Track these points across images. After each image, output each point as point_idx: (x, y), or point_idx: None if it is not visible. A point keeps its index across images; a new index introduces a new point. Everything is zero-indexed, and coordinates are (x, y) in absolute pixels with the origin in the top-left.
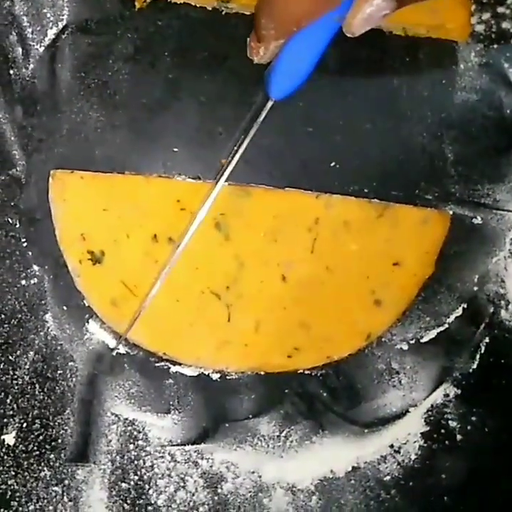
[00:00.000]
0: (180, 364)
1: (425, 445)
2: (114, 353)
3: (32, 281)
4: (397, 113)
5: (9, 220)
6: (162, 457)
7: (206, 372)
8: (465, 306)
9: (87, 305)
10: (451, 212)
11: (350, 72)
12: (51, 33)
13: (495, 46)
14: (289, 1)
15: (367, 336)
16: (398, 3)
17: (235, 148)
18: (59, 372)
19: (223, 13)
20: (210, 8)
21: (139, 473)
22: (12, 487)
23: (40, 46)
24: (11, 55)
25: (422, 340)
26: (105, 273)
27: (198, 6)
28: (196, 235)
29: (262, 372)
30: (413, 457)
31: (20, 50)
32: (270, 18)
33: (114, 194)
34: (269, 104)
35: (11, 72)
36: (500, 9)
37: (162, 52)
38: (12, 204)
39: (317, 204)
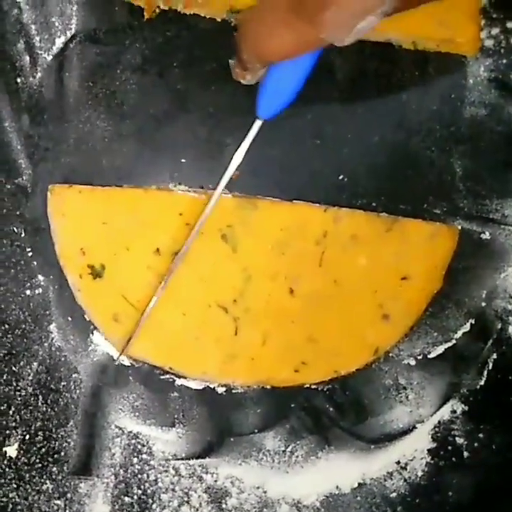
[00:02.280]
0: (185, 377)
1: (432, 462)
2: (118, 365)
3: (36, 292)
4: (406, 127)
5: (14, 229)
6: (166, 471)
7: (212, 386)
8: (473, 321)
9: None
10: (459, 227)
11: (359, 85)
12: (59, 42)
13: (504, 61)
14: (272, 43)
15: (375, 350)
16: (387, 15)
17: (228, 163)
18: (63, 383)
19: (232, 24)
20: (219, 20)
21: (142, 487)
22: (13, 500)
23: (48, 55)
24: (18, 64)
25: (430, 356)
26: (106, 287)
27: (207, 17)
28: (203, 247)
29: (268, 386)
30: (420, 474)
31: (27, 58)
32: (253, 54)
33: (113, 207)
34: (258, 123)
35: (19, 80)
36: (510, 24)
37: (170, 62)
38: (17, 213)
39: (325, 217)
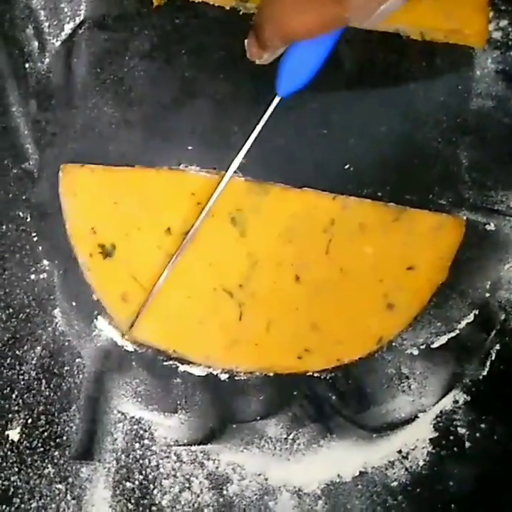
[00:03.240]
0: (188, 363)
1: (434, 451)
2: (121, 350)
3: (41, 276)
4: (413, 117)
5: (20, 213)
6: (168, 457)
7: (214, 372)
8: (476, 312)
9: (96, 300)
10: (464, 218)
11: (366, 75)
12: (68, 28)
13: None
14: (297, 21)
15: (378, 339)
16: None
17: (243, 143)
18: (66, 368)
19: (241, 12)
20: (228, 8)
21: (143, 472)
22: (15, 483)
23: (57, 41)
24: (26, 49)
25: (433, 346)
26: (116, 267)
27: (215, 5)
28: (212, 229)
29: (271, 374)
30: (421, 463)
31: (36, 43)
32: (275, 32)
33: (124, 187)
34: (276, 100)
35: (27, 65)
36: None
37: (179, 50)
38: (23, 198)
39: (334, 205)
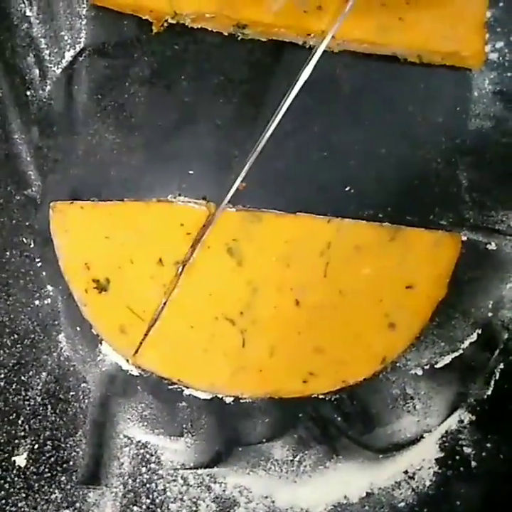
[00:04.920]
0: (193, 388)
1: (440, 471)
2: (126, 375)
3: (46, 302)
4: (412, 139)
5: (24, 240)
6: (174, 481)
7: (220, 396)
8: (479, 331)
9: (96, 334)
10: (465, 238)
11: (365, 98)
12: (68, 55)
13: (509, 74)
14: None
15: (382, 359)
16: None
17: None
18: (71, 393)
19: (239, 38)
20: (226, 34)
21: (151, 496)
22: (22, 509)
23: (58, 68)
24: (28, 77)
25: (437, 366)
26: (112, 300)
27: (214, 31)
28: (209, 261)
29: (276, 397)
30: (427, 483)
31: (37, 71)
32: None
33: (115, 221)
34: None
35: (28, 93)
36: None
37: (178, 75)
38: (27, 224)
39: (329, 228)
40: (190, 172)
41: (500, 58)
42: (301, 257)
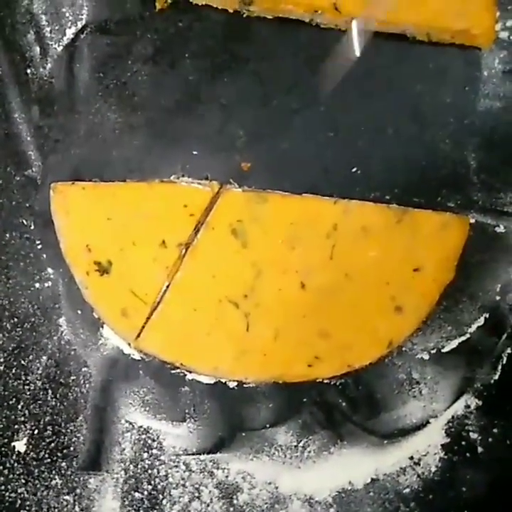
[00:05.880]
0: (196, 372)
1: (446, 457)
2: (128, 359)
3: (46, 285)
4: (420, 119)
5: (24, 221)
6: (177, 466)
7: (223, 380)
8: (487, 315)
9: (97, 317)
10: (473, 220)
11: (373, 77)
12: (70, 33)
13: None
14: None
15: (388, 343)
16: None
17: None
18: (72, 377)
19: (244, 15)
20: (232, 11)
21: (152, 482)
22: (22, 495)
23: (59, 46)
24: (28, 54)
25: (443, 350)
26: (114, 283)
27: (219, 8)
28: (213, 242)
29: (280, 381)
30: (433, 469)
31: (38, 49)
32: None
33: (116, 203)
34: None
35: (29, 71)
36: None
37: (182, 53)
38: (27, 205)
39: (335, 210)
40: (194, 152)
41: (511, 37)
42: (307, 238)
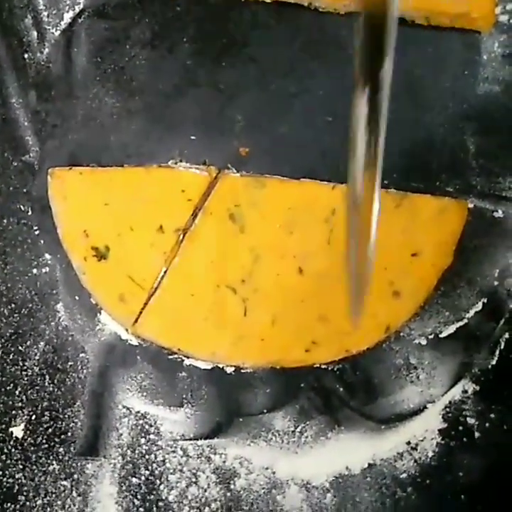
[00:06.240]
0: (194, 358)
1: (443, 442)
2: (125, 345)
3: (43, 270)
4: (419, 103)
5: (21, 207)
6: (174, 452)
7: (221, 366)
8: (485, 300)
9: (94, 303)
10: (471, 205)
11: None
12: (67, 17)
13: None
14: None
15: (386, 328)
16: None
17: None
18: (70, 363)
19: None
20: None
21: (150, 468)
22: (19, 481)
23: (56, 30)
24: (25, 39)
25: (441, 335)
26: (111, 268)
27: None
28: (211, 227)
29: (278, 367)
30: (430, 454)
31: (35, 33)
32: None
33: (114, 188)
34: None
35: (26, 56)
36: None
37: (180, 38)
38: (24, 191)
39: (333, 195)
40: (192, 137)
41: (511, 20)
42: (305, 223)
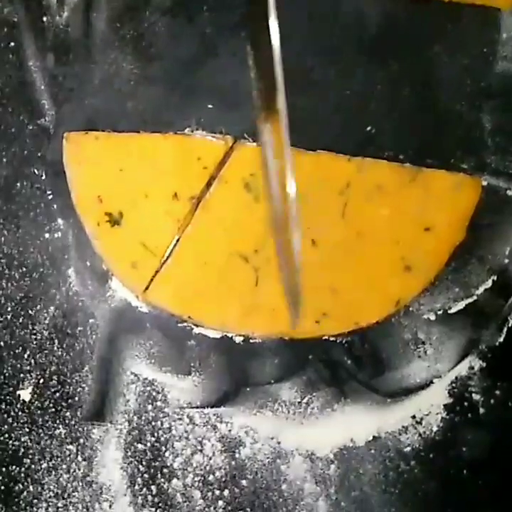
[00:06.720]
0: (203, 326)
1: (447, 417)
2: (135, 311)
3: (56, 235)
4: (436, 80)
5: (35, 171)
6: (180, 419)
7: (230, 335)
8: (495, 278)
9: (106, 269)
10: (485, 183)
11: (390, 36)
12: None
13: None
14: None
15: (396, 302)
16: None
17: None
18: (79, 328)
19: None
20: None
21: (156, 434)
22: (25, 444)
23: None
24: (45, 2)
25: (450, 311)
26: (124, 235)
27: None
28: (225, 196)
29: (287, 338)
30: (435, 429)
31: None
32: None
33: (130, 154)
34: None
35: (45, 19)
36: None
37: (200, 6)
38: (39, 155)
39: (349, 167)
40: (210, 106)
41: None
42: (320, 195)
